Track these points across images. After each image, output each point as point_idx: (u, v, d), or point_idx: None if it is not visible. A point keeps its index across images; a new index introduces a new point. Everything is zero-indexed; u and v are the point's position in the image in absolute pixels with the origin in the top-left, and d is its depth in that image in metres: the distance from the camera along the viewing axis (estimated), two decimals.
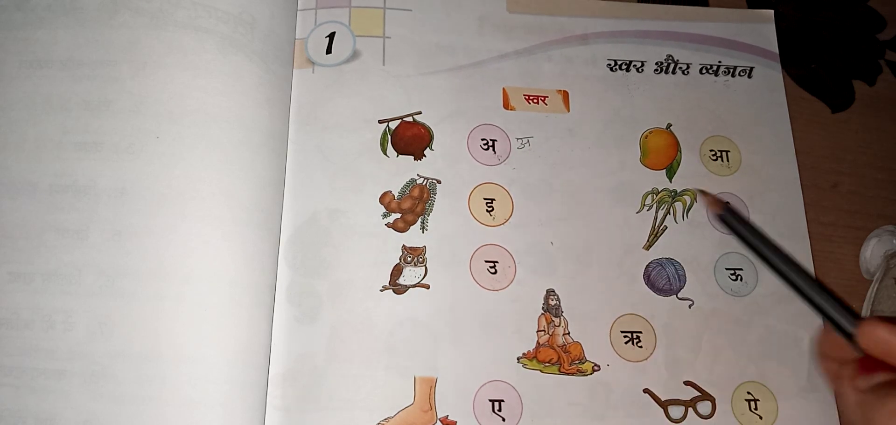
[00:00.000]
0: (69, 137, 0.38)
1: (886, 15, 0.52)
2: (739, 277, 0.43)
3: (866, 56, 0.51)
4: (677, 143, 0.46)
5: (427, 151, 0.44)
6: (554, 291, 0.41)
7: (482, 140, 0.44)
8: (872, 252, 0.44)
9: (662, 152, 0.46)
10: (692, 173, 0.45)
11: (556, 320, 0.41)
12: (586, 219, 0.43)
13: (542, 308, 0.41)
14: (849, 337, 0.31)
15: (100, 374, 0.35)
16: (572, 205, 0.43)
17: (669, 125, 0.46)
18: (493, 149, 0.44)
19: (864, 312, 0.43)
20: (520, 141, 0.45)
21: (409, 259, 0.41)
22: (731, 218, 0.36)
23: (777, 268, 0.34)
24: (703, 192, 0.44)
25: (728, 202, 0.36)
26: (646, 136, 0.46)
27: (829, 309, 0.32)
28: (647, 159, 0.45)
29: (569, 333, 0.41)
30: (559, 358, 0.40)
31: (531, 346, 0.40)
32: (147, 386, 0.35)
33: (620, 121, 0.46)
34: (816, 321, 0.42)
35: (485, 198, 0.43)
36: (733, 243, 0.44)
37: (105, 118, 0.38)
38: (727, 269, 0.43)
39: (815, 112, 0.48)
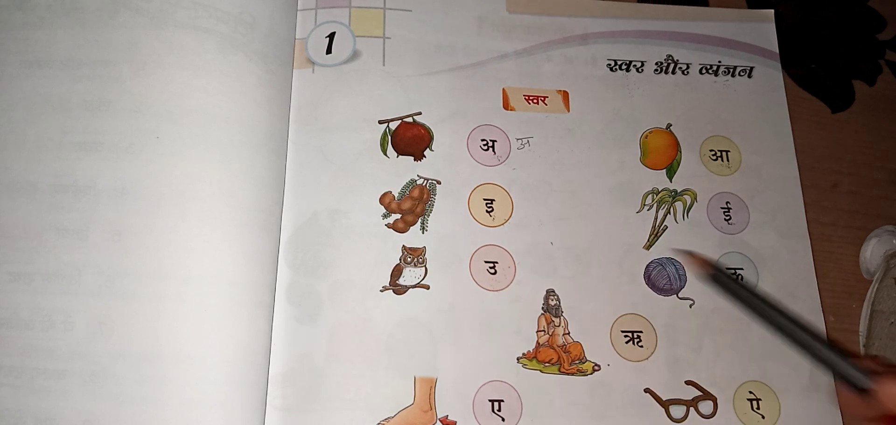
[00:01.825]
0: (69, 137, 0.38)
1: (886, 15, 0.52)
2: (740, 277, 0.43)
3: (866, 56, 0.51)
4: (677, 143, 0.46)
5: (427, 152, 0.44)
6: (554, 291, 0.41)
7: (482, 140, 0.44)
8: (872, 252, 0.44)
9: (662, 152, 0.46)
10: (692, 173, 0.45)
11: (556, 320, 0.41)
12: (586, 219, 0.43)
13: (542, 308, 0.41)
14: (866, 393, 0.28)
15: (100, 374, 0.35)
16: (572, 205, 0.43)
17: (669, 125, 0.46)
18: (493, 150, 0.44)
19: (865, 312, 0.43)
20: (520, 141, 0.44)
21: (409, 259, 0.41)
22: (722, 278, 0.34)
23: (780, 327, 0.31)
24: (690, 255, 0.41)
25: (715, 263, 0.35)
26: (646, 136, 0.46)
27: (842, 366, 0.29)
28: (647, 159, 0.45)
29: (569, 333, 0.41)
30: (559, 358, 0.40)
31: (531, 346, 0.40)
32: (147, 386, 0.35)
33: (620, 121, 0.46)
34: (819, 320, 0.42)
35: (485, 199, 0.43)
36: (733, 243, 0.44)
37: (105, 118, 0.38)
38: (728, 269, 0.43)
39: (815, 112, 0.48)
